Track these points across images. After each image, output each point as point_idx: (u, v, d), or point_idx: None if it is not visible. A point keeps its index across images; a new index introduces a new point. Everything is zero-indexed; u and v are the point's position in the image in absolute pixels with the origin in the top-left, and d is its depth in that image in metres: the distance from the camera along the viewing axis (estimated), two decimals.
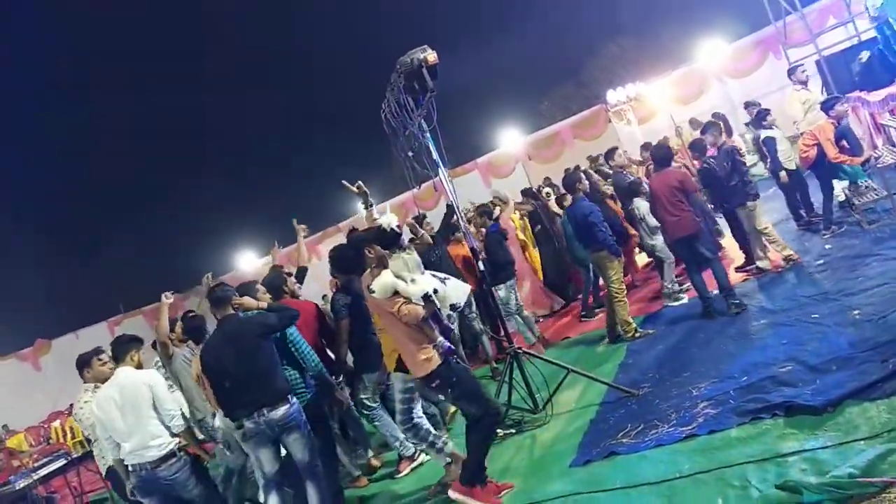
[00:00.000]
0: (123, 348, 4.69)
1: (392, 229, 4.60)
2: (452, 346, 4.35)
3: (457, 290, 4.54)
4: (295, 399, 4.55)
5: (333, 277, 6.09)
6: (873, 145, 9.17)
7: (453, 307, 4.52)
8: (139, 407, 4.43)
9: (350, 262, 4.99)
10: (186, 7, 43.40)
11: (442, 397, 4.83)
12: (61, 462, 8.87)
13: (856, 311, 4.83)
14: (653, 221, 7.26)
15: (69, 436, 13.36)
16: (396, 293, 4.14)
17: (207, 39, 43.98)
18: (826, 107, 7.65)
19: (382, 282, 4.15)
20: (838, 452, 3.20)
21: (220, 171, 42.17)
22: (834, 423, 3.48)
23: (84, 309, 24.51)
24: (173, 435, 4.50)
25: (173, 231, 38.52)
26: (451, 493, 4.26)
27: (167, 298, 5.84)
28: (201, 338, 5.36)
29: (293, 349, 4.91)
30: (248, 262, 22.40)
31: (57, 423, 14.59)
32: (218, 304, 4.59)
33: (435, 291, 4.24)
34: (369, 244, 4.38)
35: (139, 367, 4.72)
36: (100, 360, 4.88)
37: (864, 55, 9.48)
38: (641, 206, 7.47)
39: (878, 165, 7.39)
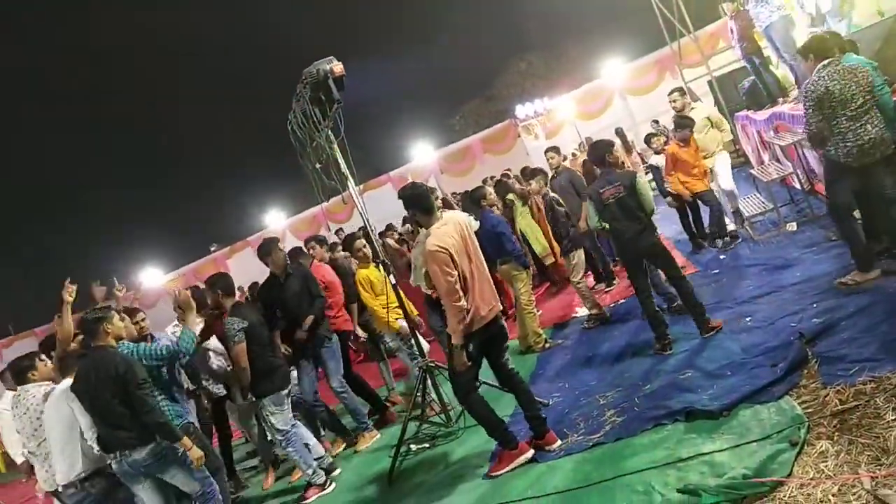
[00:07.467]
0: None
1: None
2: None
3: None
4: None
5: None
6: (760, 161, 9.80)
7: None
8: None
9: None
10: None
11: None
12: None
13: (748, 318, 5.08)
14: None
15: None
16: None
17: (118, 48, 42.02)
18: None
19: None
20: (734, 454, 3.34)
21: (121, 182, 40.19)
22: (729, 426, 3.63)
23: None
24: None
25: (69, 246, 36.28)
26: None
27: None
28: None
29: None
30: (153, 279, 21.39)
31: None
32: (88, 334, 4.25)
33: None
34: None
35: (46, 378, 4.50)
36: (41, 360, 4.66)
37: (743, 83, 10.15)
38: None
39: (765, 180, 7.87)
